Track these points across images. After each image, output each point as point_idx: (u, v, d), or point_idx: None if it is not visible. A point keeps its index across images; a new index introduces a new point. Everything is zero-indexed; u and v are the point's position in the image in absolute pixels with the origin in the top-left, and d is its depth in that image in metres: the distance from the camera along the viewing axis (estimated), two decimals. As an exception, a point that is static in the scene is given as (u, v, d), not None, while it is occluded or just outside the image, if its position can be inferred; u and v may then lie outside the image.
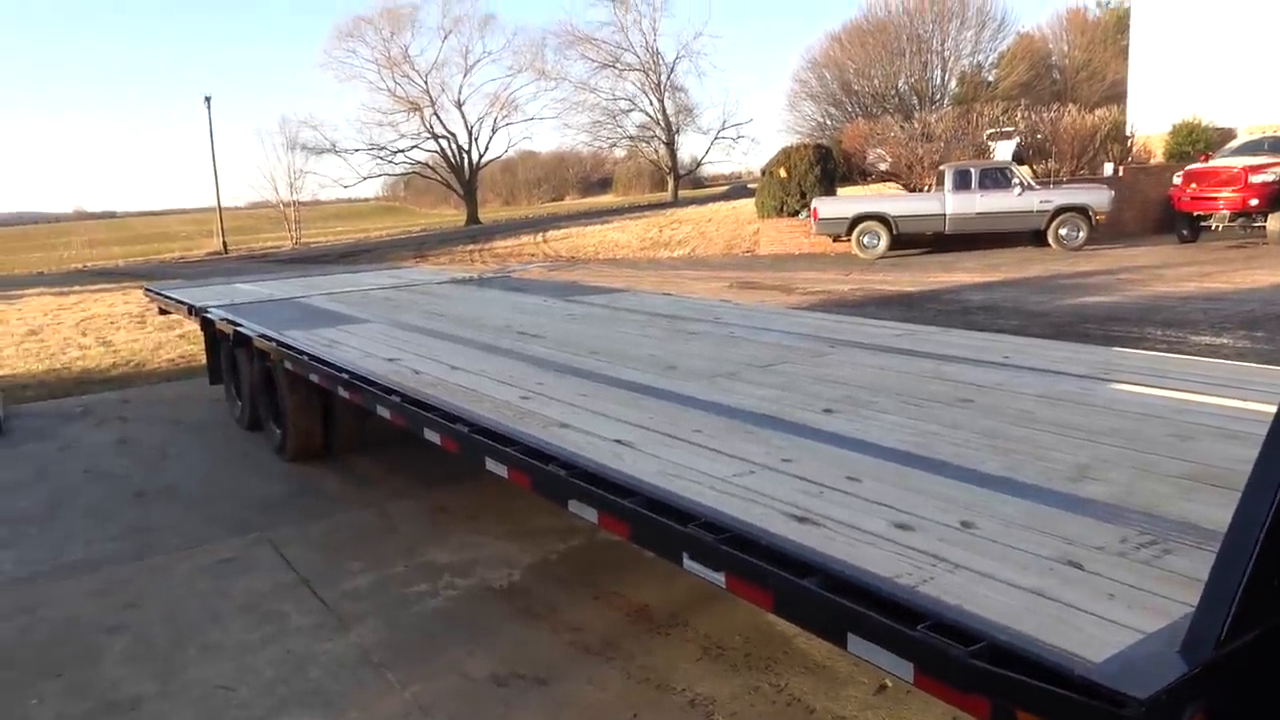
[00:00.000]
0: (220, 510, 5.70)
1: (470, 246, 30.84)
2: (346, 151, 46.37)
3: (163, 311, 9.87)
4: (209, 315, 7.50)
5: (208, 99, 41.34)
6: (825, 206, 19.86)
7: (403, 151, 47.24)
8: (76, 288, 23.29)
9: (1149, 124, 23.57)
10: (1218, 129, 21.92)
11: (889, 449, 2.94)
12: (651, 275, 19.48)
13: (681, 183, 48.57)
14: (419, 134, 46.70)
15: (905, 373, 4.01)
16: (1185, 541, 2.13)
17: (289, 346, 5.60)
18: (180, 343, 12.61)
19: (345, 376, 4.68)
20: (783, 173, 22.10)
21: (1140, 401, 3.35)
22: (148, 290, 10.48)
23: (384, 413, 4.27)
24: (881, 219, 19.10)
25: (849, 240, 19.40)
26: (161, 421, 8.20)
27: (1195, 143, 21.46)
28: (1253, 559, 1.65)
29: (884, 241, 19.07)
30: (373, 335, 5.82)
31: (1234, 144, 18.75)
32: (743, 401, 3.65)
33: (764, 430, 3.23)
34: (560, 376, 4.31)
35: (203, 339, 8.71)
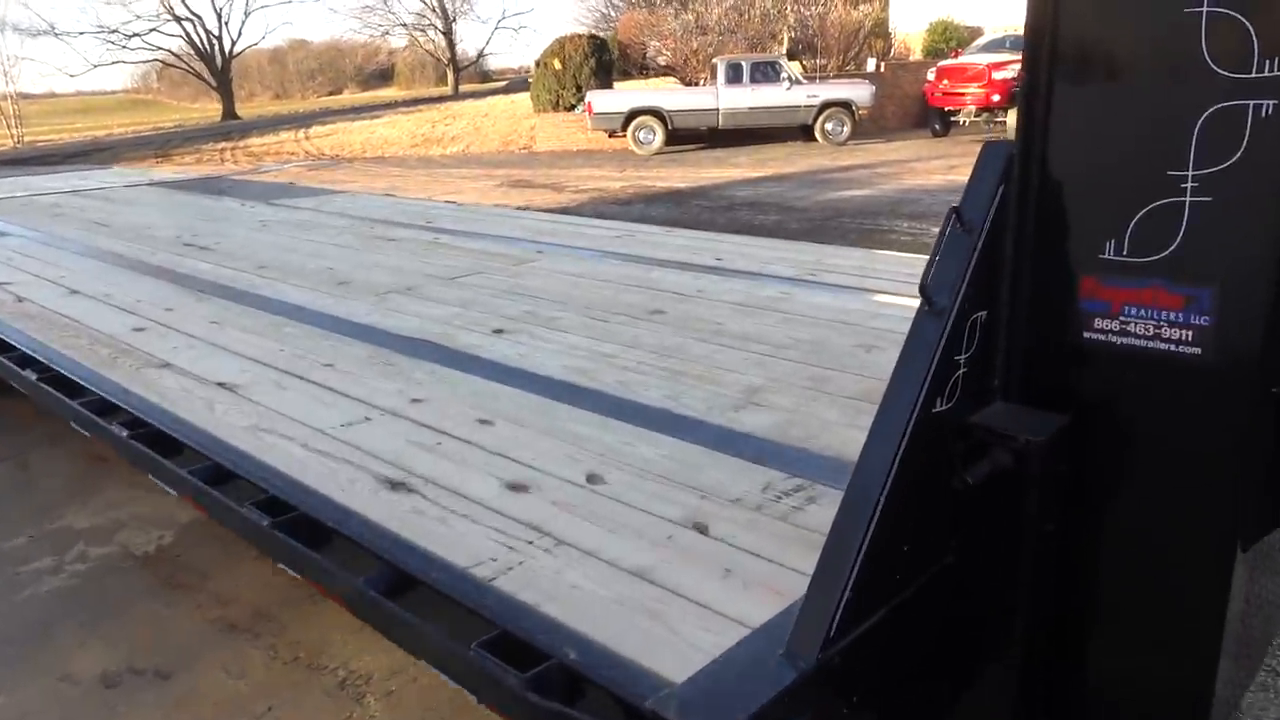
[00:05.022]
0: None
1: (222, 144, 27.90)
2: (68, 34, 40.45)
3: None
4: None
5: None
6: (600, 101, 19.19)
7: (139, 35, 41.73)
8: None
9: (910, 22, 24.41)
10: (969, 28, 22.94)
11: (545, 379, 2.48)
12: (420, 175, 18.27)
13: (468, 77, 46.10)
14: (157, 15, 41.33)
15: (606, 281, 3.57)
16: (835, 484, 1.80)
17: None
18: None
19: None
20: (557, 64, 21.18)
21: (837, 307, 3.07)
22: None
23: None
24: (657, 114, 18.71)
25: (625, 136, 18.92)
26: None
27: (949, 41, 22.36)
28: (871, 526, 1.30)
29: (660, 137, 18.72)
30: (-2, 252, 4.76)
31: (980, 41, 19.62)
32: (405, 323, 3.08)
33: (411, 360, 2.69)
34: (201, 299, 3.56)
35: None
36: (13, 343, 3.04)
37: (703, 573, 1.50)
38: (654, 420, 2.15)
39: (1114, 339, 1.39)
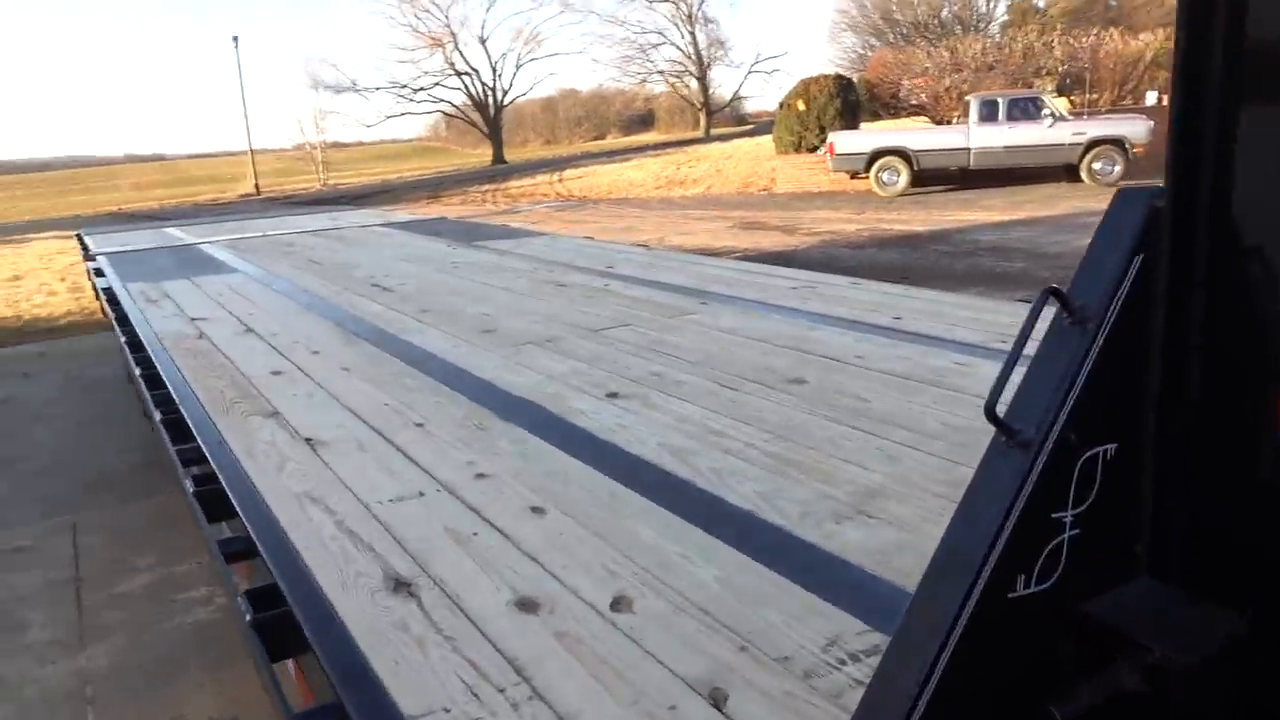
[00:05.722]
0: (50, 486, 5.09)
1: (486, 187, 30.03)
2: (366, 90, 45.49)
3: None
4: (95, 264, 6.86)
5: (235, 38, 40.73)
6: (842, 141, 18.61)
7: (425, 89, 46.11)
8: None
9: (1203, 47, 21.73)
10: (1279, 51, 20.10)
11: (632, 458, 2.13)
12: (656, 216, 18.54)
13: (723, 119, 46.88)
14: (442, 71, 45.53)
15: (755, 340, 3.17)
16: (928, 650, 1.31)
17: (115, 301, 4.92)
18: (139, 290, 12.11)
19: (124, 339, 3.99)
20: (800, 105, 20.87)
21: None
22: (78, 236, 9.89)
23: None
24: (901, 154, 17.83)
25: (868, 177, 18.20)
26: (62, 377, 7.66)
27: (1252, 66, 19.68)
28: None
29: (904, 178, 17.83)
30: (216, 288, 5.10)
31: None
32: (523, 380, 2.86)
33: (506, 424, 2.44)
34: (350, 343, 3.55)
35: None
36: (164, 378, 3.12)
37: (689, 773, 1.09)
38: (730, 526, 1.74)
39: (1339, 501, 0.85)
